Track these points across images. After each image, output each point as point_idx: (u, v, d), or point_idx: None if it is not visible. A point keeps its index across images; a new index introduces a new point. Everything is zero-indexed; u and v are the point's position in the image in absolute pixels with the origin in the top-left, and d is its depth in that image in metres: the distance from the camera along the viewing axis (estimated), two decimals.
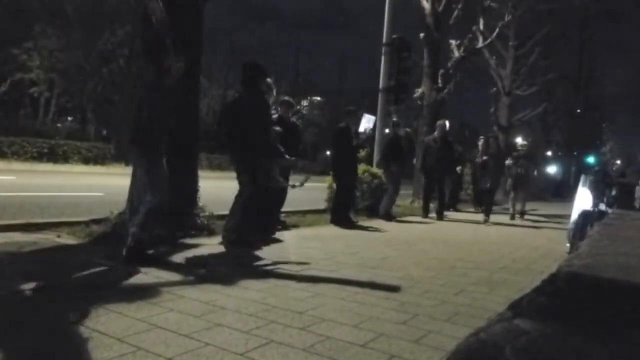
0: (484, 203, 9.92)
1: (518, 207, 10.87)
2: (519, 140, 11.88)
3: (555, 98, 29.57)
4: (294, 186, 6.05)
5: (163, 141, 4.14)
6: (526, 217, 11.42)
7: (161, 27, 4.11)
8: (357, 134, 7.67)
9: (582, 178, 5.77)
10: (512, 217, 10.60)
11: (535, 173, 12.93)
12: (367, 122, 7.88)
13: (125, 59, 24.88)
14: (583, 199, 5.35)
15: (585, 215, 5.04)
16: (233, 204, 5.14)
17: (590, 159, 30.37)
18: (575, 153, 35.42)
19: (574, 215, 5.27)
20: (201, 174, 5.82)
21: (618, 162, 43.48)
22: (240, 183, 5.13)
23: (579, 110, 34.32)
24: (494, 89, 21.42)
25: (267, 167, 5.16)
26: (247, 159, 5.06)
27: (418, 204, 10.87)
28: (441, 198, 9.89)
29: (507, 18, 17.41)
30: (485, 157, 9.65)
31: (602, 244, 1.91)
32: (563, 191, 27.25)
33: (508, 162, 10.68)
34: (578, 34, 30.48)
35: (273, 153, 5.17)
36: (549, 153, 39.27)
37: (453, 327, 2.81)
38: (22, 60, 24.40)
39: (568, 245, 5.32)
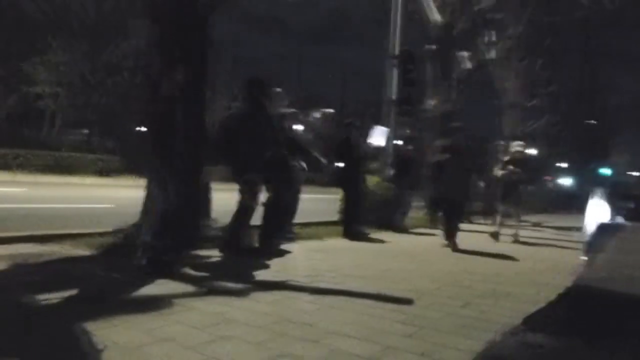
0: (448, 219, 7.20)
1: (511, 228, 8.54)
2: (514, 143, 9.35)
3: (560, 109, 29.56)
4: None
5: (181, 151, 4.20)
6: (537, 229, 11.29)
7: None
8: (364, 145, 7.68)
9: (596, 190, 5.75)
10: (495, 237, 8.33)
11: (550, 185, 12.34)
12: (380, 134, 7.87)
13: (130, 72, 25.06)
14: (597, 211, 5.32)
15: (601, 228, 5.01)
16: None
17: (604, 171, 30.25)
18: (588, 165, 35.29)
19: (589, 227, 5.24)
20: (212, 185, 5.86)
21: (635, 173, 43.06)
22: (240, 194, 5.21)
23: (586, 122, 34.26)
24: (500, 101, 21.48)
25: (254, 181, 5.18)
26: (241, 171, 5.13)
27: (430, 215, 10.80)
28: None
29: (510, 30, 17.52)
30: (446, 156, 7.03)
31: (617, 257, 1.91)
32: (575, 203, 27.07)
33: (496, 169, 8.85)
34: (581, 46, 30.60)
35: (259, 168, 5.19)
36: (560, 165, 39.14)
37: (460, 340, 2.81)
38: (28, 73, 24.63)
39: (583, 258, 5.30)
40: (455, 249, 6.65)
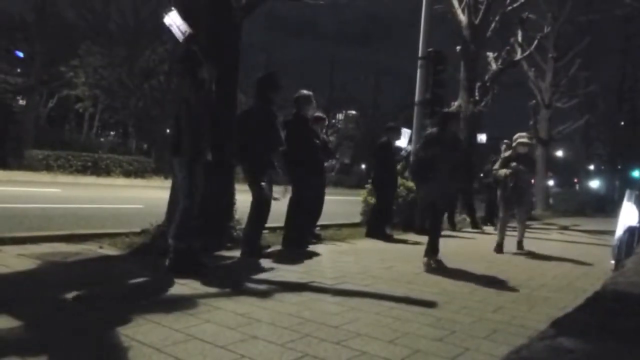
0: (429, 227, 5.82)
1: (517, 234, 7.14)
2: (518, 135, 7.16)
3: (597, 110, 28.77)
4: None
5: (203, 153, 4.23)
6: (567, 232, 10.98)
7: (186, 37, 4.16)
8: (397, 149, 7.67)
9: (627, 193, 5.56)
10: (499, 249, 6.77)
11: (577, 188, 11.72)
12: (402, 136, 7.84)
13: (165, 75, 25.64)
14: (628, 215, 5.15)
15: (630, 232, 4.84)
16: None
17: (636, 173, 29.31)
18: (619, 167, 34.28)
19: (619, 231, 5.07)
20: (237, 187, 5.91)
21: None
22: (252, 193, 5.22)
23: (622, 123, 33.27)
24: (534, 101, 21.03)
25: (267, 178, 5.17)
26: (252, 169, 5.14)
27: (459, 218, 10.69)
28: (470, 210, 9.88)
29: (546, 30, 17.13)
30: (431, 149, 5.35)
31: None
32: (606, 206, 26.34)
33: (496, 168, 7.16)
34: (620, 45, 29.66)
35: (270, 165, 5.17)
36: (592, 167, 38.13)
37: (491, 345, 2.74)
38: (69, 77, 25.47)
39: (612, 262, 5.13)
40: (429, 267, 5.12)
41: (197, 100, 4.17)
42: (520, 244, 7.12)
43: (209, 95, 4.31)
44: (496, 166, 7.31)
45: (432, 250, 5.27)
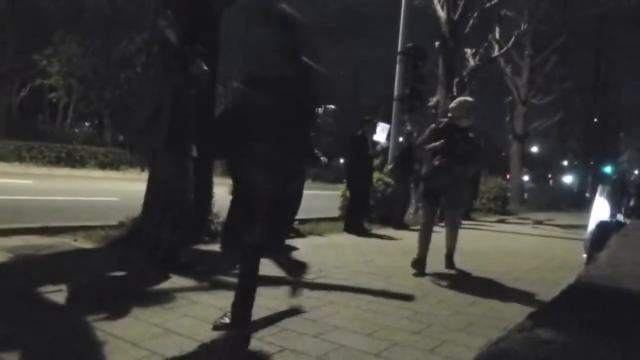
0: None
1: (446, 245, 5.10)
2: (466, 100, 5.09)
3: (572, 107, 29.34)
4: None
5: (191, 146, 4.20)
6: (541, 226, 11.17)
7: (177, 42, 4.13)
8: (373, 143, 7.69)
9: (600, 188, 5.70)
10: (418, 266, 4.61)
11: (551, 183, 11.32)
12: (381, 131, 7.88)
13: (142, 66, 25.21)
14: (600, 209, 5.28)
15: (602, 226, 4.97)
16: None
17: (608, 169, 30.06)
18: (592, 162, 35.06)
19: (591, 225, 5.20)
20: (215, 180, 5.86)
21: (636, 171, 42.77)
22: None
23: (595, 119, 34.01)
24: (510, 97, 21.35)
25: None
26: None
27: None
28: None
29: (523, 27, 17.37)
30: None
31: (621, 254, 1.88)
32: (580, 201, 26.94)
33: (422, 141, 5.12)
34: (595, 43, 30.24)
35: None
36: (566, 162, 38.93)
37: (468, 337, 2.78)
38: (42, 66, 24.87)
39: (585, 255, 5.25)
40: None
41: (186, 97, 4.14)
42: (450, 259, 5.05)
43: (195, 91, 4.27)
44: (421, 139, 5.23)
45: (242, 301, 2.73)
